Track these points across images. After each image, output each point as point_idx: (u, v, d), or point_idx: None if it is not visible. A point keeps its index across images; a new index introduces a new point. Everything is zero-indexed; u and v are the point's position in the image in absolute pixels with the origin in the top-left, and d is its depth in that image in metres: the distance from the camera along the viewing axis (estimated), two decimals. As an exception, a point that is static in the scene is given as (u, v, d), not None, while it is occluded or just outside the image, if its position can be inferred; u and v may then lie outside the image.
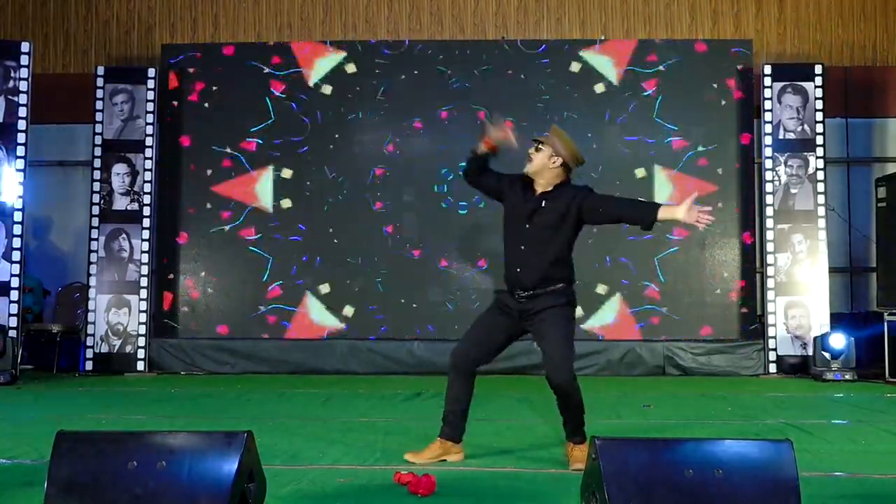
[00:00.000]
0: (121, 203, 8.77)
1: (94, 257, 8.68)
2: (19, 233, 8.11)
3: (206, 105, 9.07)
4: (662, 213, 4.06)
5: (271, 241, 8.97)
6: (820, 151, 8.69)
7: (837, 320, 8.55)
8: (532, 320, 4.12)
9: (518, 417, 5.69)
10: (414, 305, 8.87)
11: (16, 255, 8.08)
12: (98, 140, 8.77)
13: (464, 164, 4.37)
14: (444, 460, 4.12)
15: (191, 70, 9.10)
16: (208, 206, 9.00)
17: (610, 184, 8.59)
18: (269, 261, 8.95)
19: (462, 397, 4.17)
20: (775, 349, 8.52)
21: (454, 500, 3.37)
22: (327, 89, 9.05)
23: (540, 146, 4.17)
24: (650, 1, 9.55)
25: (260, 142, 9.02)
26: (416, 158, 8.98)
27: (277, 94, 9.05)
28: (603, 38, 9.28)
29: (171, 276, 8.97)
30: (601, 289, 8.81)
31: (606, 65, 8.99)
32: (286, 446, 4.45)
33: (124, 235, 8.73)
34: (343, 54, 9.07)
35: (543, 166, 4.16)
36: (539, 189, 4.20)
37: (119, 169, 8.78)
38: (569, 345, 4.04)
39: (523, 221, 4.17)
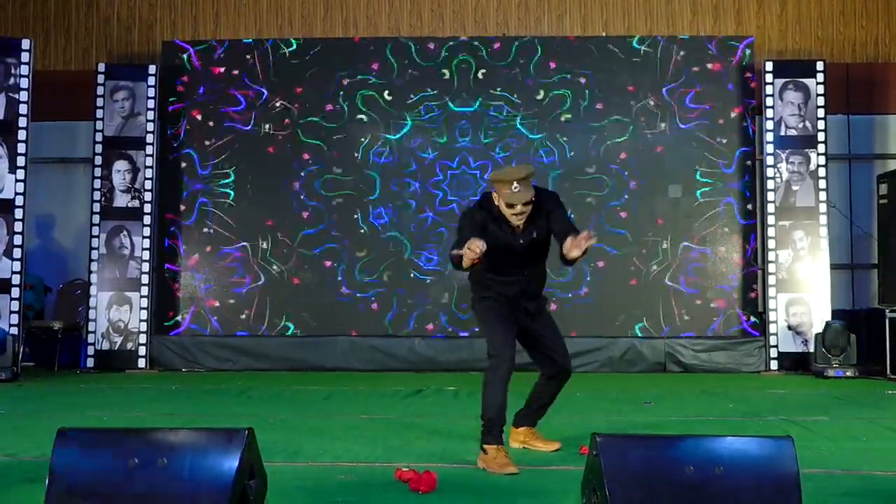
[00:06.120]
0: (122, 200, 8.76)
1: (95, 254, 8.68)
2: (20, 230, 8.11)
3: (207, 102, 9.07)
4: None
5: (272, 239, 8.96)
6: (821, 148, 8.68)
7: (839, 317, 8.53)
8: (533, 321, 4.31)
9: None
10: (414, 303, 8.86)
11: (17, 253, 8.08)
12: (99, 137, 8.77)
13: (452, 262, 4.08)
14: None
15: (191, 67, 9.10)
16: (209, 203, 9.00)
17: (610, 183, 8.57)
18: (270, 259, 8.95)
19: (506, 402, 4.14)
20: (776, 346, 8.51)
21: (455, 497, 3.37)
22: (327, 88, 9.04)
23: (529, 199, 4.02)
24: (651, -3, 9.54)
25: (260, 140, 9.03)
26: (417, 157, 8.97)
27: (278, 91, 9.04)
28: (605, 34, 9.27)
29: (172, 273, 8.97)
30: (601, 287, 8.82)
31: (606, 62, 8.98)
32: (287, 443, 4.45)
33: (125, 232, 8.73)
34: (341, 51, 9.09)
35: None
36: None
37: (120, 166, 8.78)
38: None
39: (517, 248, 4.15)
